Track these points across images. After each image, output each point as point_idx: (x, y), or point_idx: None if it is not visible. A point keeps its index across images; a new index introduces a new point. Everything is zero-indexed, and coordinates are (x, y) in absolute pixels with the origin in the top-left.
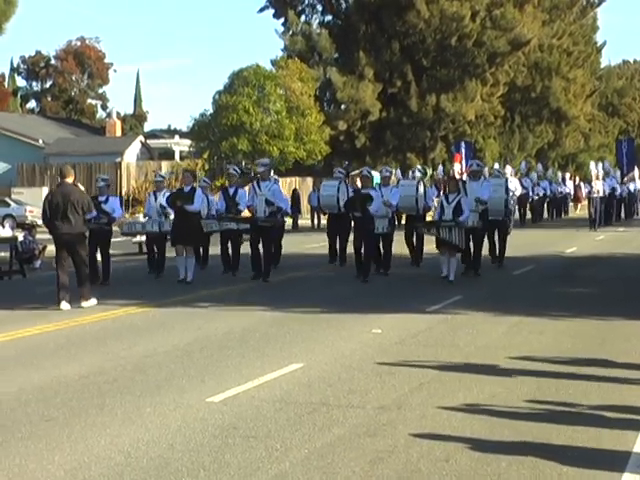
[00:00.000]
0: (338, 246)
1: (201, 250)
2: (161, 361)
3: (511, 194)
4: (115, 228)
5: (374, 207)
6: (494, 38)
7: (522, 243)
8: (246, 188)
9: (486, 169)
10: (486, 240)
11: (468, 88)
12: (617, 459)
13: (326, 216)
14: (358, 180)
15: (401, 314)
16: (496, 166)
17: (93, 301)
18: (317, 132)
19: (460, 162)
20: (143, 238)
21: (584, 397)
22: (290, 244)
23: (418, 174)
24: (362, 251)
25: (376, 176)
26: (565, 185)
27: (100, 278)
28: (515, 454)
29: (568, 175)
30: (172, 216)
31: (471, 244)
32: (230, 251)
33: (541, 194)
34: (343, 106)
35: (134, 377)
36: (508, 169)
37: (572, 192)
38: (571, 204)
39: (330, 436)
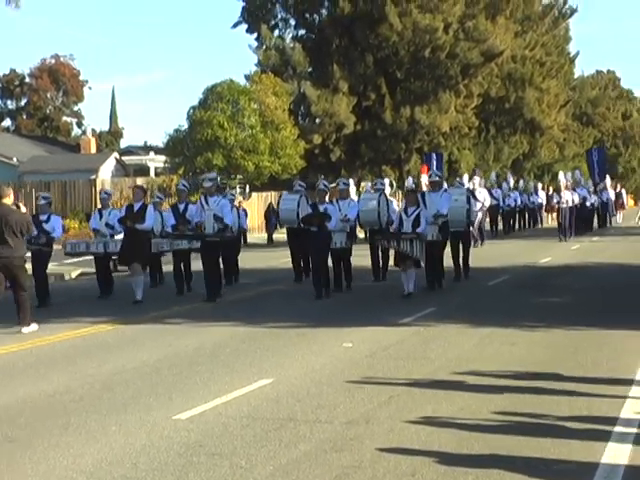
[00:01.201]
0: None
1: (150, 269)
2: (129, 378)
3: (479, 205)
4: (58, 246)
5: (332, 224)
6: (467, 50)
7: (496, 254)
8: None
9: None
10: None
11: (442, 100)
12: (585, 470)
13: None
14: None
15: (373, 327)
16: (465, 177)
17: (34, 326)
18: (292, 146)
19: (427, 173)
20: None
21: (554, 408)
22: (262, 259)
23: (380, 186)
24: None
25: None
26: (537, 195)
27: (45, 302)
28: (483, 467)
29: (540, 185)
30: (120, 235)
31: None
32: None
33: (512, 205)
34: (318, 120)
35: (101, 395)
36: (476, 180)
37: (544, 202)
38: (545, 214)
39: (296, 452)
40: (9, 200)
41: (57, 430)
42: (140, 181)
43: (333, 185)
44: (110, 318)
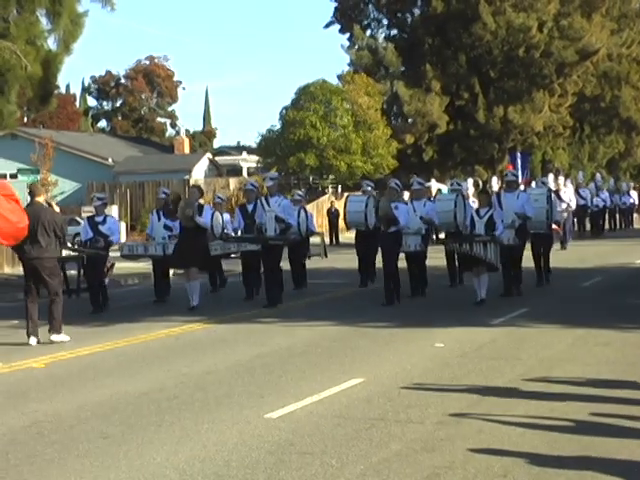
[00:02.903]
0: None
1: (216, 273)
2: (222, 377)
3: (565, 206)
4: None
5: (402, 222)
6: (562, 48)
7: (589, 255)
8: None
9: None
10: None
11: (536, 99)
12: None
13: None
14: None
15: (465, 327)
16: (550, 177)
17: (64, 337)
18: (384, 146)
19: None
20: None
21: None
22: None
23: (457, 187)
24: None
25: (444, 189)
26: (629, 195)
27: (101, 308)
28: (575, 469)
29: (632, 185)
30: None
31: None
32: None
33: (600, 205)
34: (410, 119)
35: (194, 394)
36: (561, 179)
37: (637, 203)
38: (636, 215)
39: (387, 452)
40: (42, 199)
41: (151, 427)
42: (233, 181)
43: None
44: (202, 317)
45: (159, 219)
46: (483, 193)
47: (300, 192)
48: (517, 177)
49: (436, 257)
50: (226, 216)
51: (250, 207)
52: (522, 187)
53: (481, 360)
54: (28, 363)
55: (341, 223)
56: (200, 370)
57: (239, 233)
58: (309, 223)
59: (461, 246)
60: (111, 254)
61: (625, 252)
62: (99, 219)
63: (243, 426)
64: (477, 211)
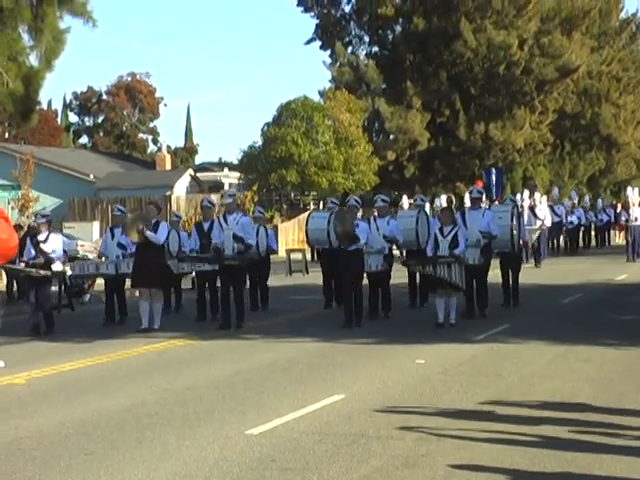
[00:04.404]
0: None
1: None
2: (203, 393)
3: (539, 223)
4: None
5: (363, 240)
6: (542, 66)
7: (569, 271)
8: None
9: (541, 196)
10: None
11: (517, 116)
12: None
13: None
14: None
15: (446, 344)
16: (525, 193)
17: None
18: (366, 163)
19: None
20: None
21: (629, 426)
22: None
23: (420, 202)
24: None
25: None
26: (605, 213)
27: (38, 331)
28: None
29: (612, 201)
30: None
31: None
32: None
33: (575, 222)
34: (392, 136)
35: (175, 410)
36: (536, 196)
37: (613, 220)
38: (614, 232)
39: (367, 468)
40: None
41: (132, 443)
42: (214, 197)
43: (411, 201)
44: (185, 333)
45: (112, 237)
46: (446, 210)
47: (260, 209)
48: (482, 194)
49: (402, 276)
50: (183, 234)
51: (206, 225)
52: (496, 203)
53: (462, 377)
54: (9, 379)
55: None
56: (181, 386)
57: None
58: (269, 241)
59: (424, 268)
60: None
61: (603, 269)
62: (41, 237)
63: (224, 442)
64: (441, 229)
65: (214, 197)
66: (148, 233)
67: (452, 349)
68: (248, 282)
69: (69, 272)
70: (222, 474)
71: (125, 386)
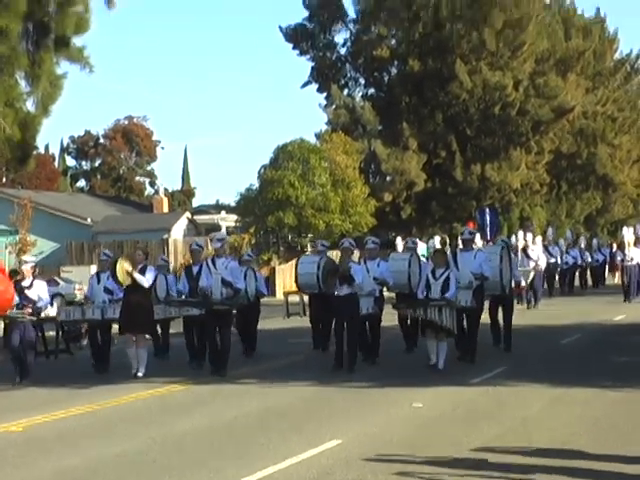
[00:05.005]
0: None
1: (160, 337)
2: (200, 439)
3: (532, 264)
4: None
5: (358, 281)
6: (538, 106)
7: (566, 312)
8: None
9: (536, 237)
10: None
11: (513, 157)
12: None
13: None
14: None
15: (443, 387)
16: (520, 234)
17: None
18: (363, 204)
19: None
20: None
21: (629, 472)
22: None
23: (412, 245)
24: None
25: (422, 247)
26: (601, 253)
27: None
28: None
29: (608, 241)
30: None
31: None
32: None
33: (570, 263)
34: (388, 177)
35: (172, 457)
36: (529, 237)
37: (608, 259)
38: (609, 272)
39: None
40: None
41: None
42: (202, 240)
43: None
44: (182, 378)
45: (99, 282)
46: (439, 252)
47: (250, 252)
48: (474, 235)
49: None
50: (171, 278)
51: (196, 269)
52: (490, 244)
53: (459, 421)
54: (5, 427)
55: None
56: (179, 431)
57: (183, 297)
58: (259, 285)
59: (415, 311)
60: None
61: (600, 310)
62: (26, 283)
63: None
64: (433, 272)
65: (202, 240)
66: (135, 274)
67: (449, 392)
68: (235, 327)
69: (63, 317)
70: None
71: (123, 433)
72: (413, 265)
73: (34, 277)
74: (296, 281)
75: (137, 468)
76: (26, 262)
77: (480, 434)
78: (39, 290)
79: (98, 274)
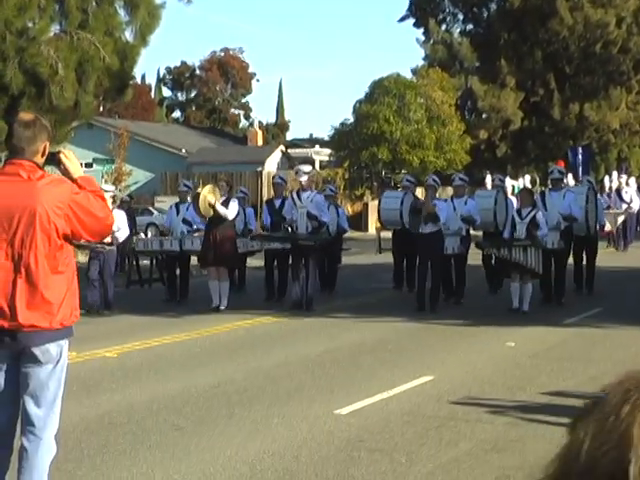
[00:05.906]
0: (405, 268)
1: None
2: (292, 371)
3: (625, 206)
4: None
5: (442, 219)
6: None
7: None
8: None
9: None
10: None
11: (613, 96)
12: None
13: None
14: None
15: (536, 327)
16: (614, 175)
17: None
18: (458, 141)
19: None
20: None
21: None
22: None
23: (499, 183)
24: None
25: (515, 184)
26: None
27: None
28: None
29: None
30: (197, 233)
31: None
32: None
33: None
34: (484, 115)
35: (264, 387)
36: (623, 178)
37: None
38: None
39: (456, 451)
40: None
41: (221, 420)
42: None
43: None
44: (273, 311)
45: (177, 213)
46: (525, 191)
47: (332, 186)
48: (564, 174)
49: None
50: (249, 210)
51: (278, 202)
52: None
53: (552, 361)
54: (100, 353)
55: None
56: (271, 363)
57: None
58: (340, 220)
59: (499, 251)
60: None
61: None
62: None
63: (313, 421)
64: (519, 211)
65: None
66: (218, 206)
67: (543, 332)
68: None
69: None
70: (310, 453)
71: (214, 362)
72: (500, 203)
73: (114, 207)
74: (379, 216)
75: (229, 397)
76: (106, 191)
77: (575, 375)
78: (118, 220)
79: (177, 205)
